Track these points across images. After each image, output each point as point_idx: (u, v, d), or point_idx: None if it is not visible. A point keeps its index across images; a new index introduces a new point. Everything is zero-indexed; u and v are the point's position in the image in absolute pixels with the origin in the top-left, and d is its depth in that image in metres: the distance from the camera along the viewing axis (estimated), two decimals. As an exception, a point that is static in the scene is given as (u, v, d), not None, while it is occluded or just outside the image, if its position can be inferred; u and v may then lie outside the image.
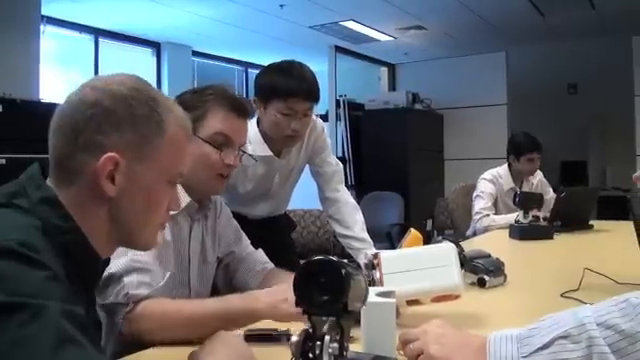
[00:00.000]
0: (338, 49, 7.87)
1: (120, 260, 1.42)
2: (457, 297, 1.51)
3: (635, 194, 1.95)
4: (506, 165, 4.23)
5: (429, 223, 7.01)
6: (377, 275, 1.45)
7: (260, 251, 1.98)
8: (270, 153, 2.46)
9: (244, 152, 1.81)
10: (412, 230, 1.84)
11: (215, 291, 1.90)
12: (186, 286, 1.75)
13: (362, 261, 1.52)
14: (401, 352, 1.10)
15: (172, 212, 1.15)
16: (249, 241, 1.99)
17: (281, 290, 1.40)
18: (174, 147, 1.08)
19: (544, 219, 3.53)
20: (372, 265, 1.48)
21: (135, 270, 1.45)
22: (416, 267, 1.44)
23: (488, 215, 3.93)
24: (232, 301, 1.44)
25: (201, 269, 1.80)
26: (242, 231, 2.00)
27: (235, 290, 1.86)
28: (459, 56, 8.34)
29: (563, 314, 0.93)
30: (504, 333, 0.96)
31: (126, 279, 1.43)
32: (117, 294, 1.41)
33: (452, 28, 7.36)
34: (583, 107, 8.12)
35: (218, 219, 1.89)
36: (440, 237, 4.30)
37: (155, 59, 7.52)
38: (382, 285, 1.41)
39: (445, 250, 1.48)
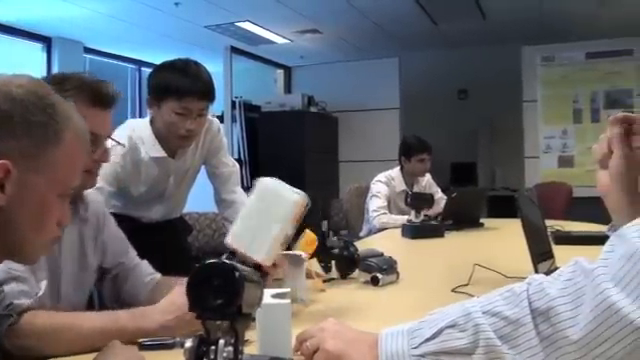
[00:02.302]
0: (234, 50, 7.81)
1: None
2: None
3: (522, 193, 2.05)
4: (398, 168, 4.38)
5: (324, 224, 7.09)
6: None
7: (145, 262, 1.88)
8: (164, 154, 2.41)
9: (116, 141, 1.74)
10: (307, 231, 1.85)
11: (101, 302, 1.82)
12: (55, 295, 1.62)
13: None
14: (298, 352, 1.10)
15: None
16: (135, 251, 1.89)
17: (171, 305, 1.37)
18: (69, 158, 1.03)
19: (435, 217, 3.67)
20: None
21: (13, 278, 1.36)
22: (259, 222, 1.23)
23: (385, 213, 4.03)
24: (122, 318, 1.38)
25: (78, 277, 1.69)
26: (128, 241, 1.89)
27: (123, 301, 1.78)
28: (354, 60, 8.49)
29: (451, 306, 0.96)
30: (395, 329, 0.98)
31: (6, 288, 1.34)
32: None
33: (347, 33, 7.48)
34: (473, 112, 8.53)
35: (105, 228, 1.79)
36: (335, 237, 4.36)
37: (45, 55, 7.16)
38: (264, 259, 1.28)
39: (262, 186, 1.28)
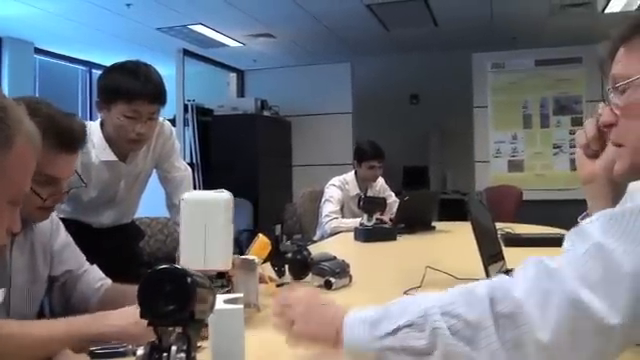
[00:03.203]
0: (186, 53, 7.73)
1: None
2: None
3: (472, 197, 2.08)
4: (352, 172, 4.40)
5: (278, 228, 7.08)
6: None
7: (95, 267, 1.83)
8: (115, 158, 2.36)
9: (80, 178, 1.70)
10: (260, 235, 1.85)
11: (51, 311, 1.77)
12: (4, 309, 1.55)
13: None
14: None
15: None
16: (84, 257, 1.84)
17: (132, 311, 1.34)
18: (21, 163, 0.99)
19: (389, 220, 3.70)
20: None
21: None
22: (201, 236, 1.28)
23: (337, 218, 4.06)
24: (80, 325, 1.33)
25: (29, 289, 1.64)
26: (78, 247, 1.84)
27: (72, 308, 1.72)
28: (307, 65, 8.51)
29: (411, 301, 0.97)
30: (359, 315, 1.00)
31: None
32: None
33: (300, 37, 7.50)
34: (424, 116, 8.68)
35: (54, 236, 1.74)
36: (288, 241, 4.36)
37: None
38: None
39: (187, 204, 1.31)
